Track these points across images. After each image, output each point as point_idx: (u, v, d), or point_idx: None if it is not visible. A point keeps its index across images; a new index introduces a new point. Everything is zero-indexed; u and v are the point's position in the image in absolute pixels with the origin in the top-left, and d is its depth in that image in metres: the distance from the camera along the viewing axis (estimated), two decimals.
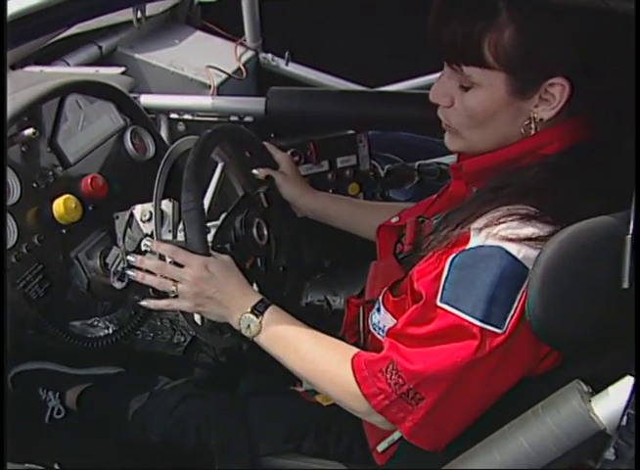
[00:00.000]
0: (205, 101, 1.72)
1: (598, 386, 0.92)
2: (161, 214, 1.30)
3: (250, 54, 2.35)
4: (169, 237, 1.27)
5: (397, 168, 1.81)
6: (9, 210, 1.30)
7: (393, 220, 1.32)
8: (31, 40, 1.03)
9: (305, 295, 1.87)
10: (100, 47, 2.10)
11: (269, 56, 2.37)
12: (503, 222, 0.98)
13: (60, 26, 1.08)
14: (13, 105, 1.36)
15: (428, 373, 0.99)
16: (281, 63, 2.37)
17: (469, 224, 1.01)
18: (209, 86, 2.11)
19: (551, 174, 1.03)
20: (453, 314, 0.97)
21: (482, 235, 0.98)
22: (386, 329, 1.15)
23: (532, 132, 1.04)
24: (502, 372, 1.00)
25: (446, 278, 0.99)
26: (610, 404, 0.88)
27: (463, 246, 1.00)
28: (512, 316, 0.96)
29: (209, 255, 1.21)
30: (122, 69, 1.83)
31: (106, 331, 1.73)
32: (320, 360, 1.13)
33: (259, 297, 1.20)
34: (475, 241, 0.99)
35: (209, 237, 1.29)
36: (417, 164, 1.81)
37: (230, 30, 2.43)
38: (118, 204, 1.45)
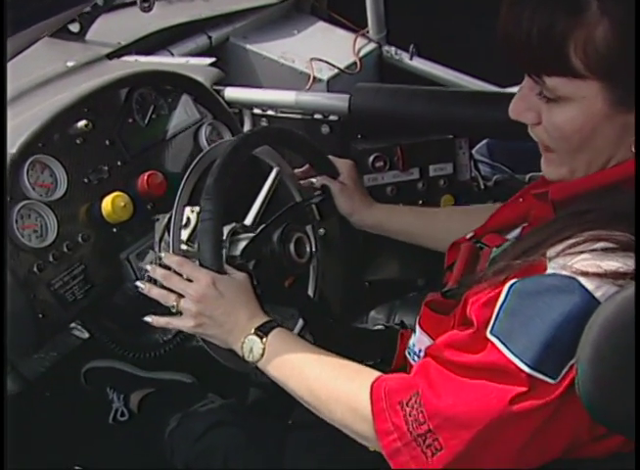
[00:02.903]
0: (288, 96, 1.58)
1: None
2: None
3: (371, 47, 2.17)
4: None
5: (505, 180, 1.58)
6: (50, 205, 1.24)
7: (468, 236, 1.11)
8: (31, 25, 0.93)
9: (394, 314, 1.71)
10: (210, 37, 2.02)
11: (392, 49, 2.18)
12: (585, 250, 0.78)
13: (57, 11, 0.98)
14: (70, 96, 1.30)
15: (453, 413, 0.81)
16: (405, 57, 2.17)
17: (540, 252, 0.82)
18: (319, 80, 1.97)
19: None
20: (500, 352, 0.79)
21: (557, 263, 0.79)
22: (420, 354, 1.00)
23: None
24: (546, 436, 0.80)
25: (502, 305, 0.80)
26: None
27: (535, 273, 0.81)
28: (570, 366, 0.76)
29: (222, 270, 1.08)
30: (212, 59, 1.73)
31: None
32: (326, 379, 0.97)
33: (266, 319, 1.06)
34: (549, 271, 0.80)
35: (239, 250, 1.17)
36: (528, 176, 1.57)
37: (357, 22, 2.27)
38: None
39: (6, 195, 1.16)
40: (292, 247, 1.18)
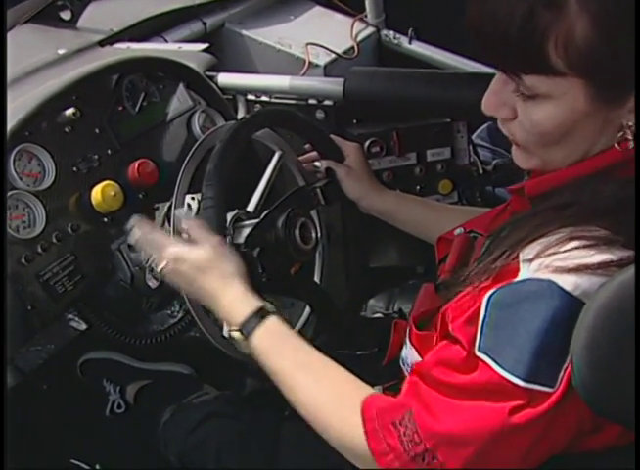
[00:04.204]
0: (281, 82, 1.54)
1: None
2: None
3: (369, 31, 2.13)
4: None
5: (505, 164, 1.55)
6: (38, 195, 1.21)
7: (456, 232, 1.08)
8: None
9: (393, 302, 1.68)
10: (204, 23, 1.98)
11: (391, 33, 2.14)
12: (561, 250, 0.75)
13: None
14: (58, 83, 1.27)
15: (450, 433, 0.79)
16: (404, 41, 2.13)
17: (518, 251, 0.79)
18: (316, 65, 1.94)
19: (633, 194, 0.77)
20: (492, 369, 0.76)
21: (533, 266, 0.76)
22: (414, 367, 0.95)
23: (630, 144, 0.78)
24: (548, 440, 0.78)
25: (484, 320, 0.78)
26: None
27: (509, 279, 0.78)
28: (565, 369, 0.74)
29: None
30: (205, 45, 1.70)
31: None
32: (316, 397, 0.93)
33: (250, 308, 0.98)
34: (523, 274, 0.77)
35: (242, 237, 1.14)
36: None
37: (354, 6, 2.23)
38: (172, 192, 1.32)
39: (6, 194, 1.14)
40: (297, 232, 1.15)
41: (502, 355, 0.76)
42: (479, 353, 0.78)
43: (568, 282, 0.73)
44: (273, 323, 0.98)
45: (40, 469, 1.47)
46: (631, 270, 0.68)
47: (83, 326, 1.75)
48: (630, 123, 0.77)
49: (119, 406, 1.62)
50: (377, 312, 1.64)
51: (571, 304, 0.73)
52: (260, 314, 0.98)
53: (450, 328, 0.83)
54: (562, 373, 0.74)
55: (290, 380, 0.93)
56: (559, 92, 0.76)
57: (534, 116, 0.79)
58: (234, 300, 1.00)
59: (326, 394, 0.92)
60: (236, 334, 0.97)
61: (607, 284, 0.70)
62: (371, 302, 1.66)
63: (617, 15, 0.71)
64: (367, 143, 1.46)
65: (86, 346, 1.71)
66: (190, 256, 1.02)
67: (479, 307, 0.79)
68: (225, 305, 1.00)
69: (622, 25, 0.71)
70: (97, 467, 1.43)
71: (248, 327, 0.97)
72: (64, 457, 1.51)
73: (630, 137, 0.78)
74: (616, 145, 0.79)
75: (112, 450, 1.48)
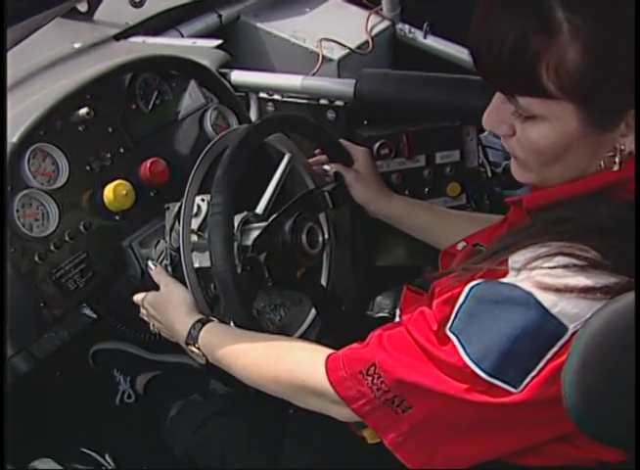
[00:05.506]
0: (294, 81, 1.55)
1: None
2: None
3: (384, 25, 2.12)
4: None
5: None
6: (51, 193, 1.24)
7: (459, 246, 1.10)
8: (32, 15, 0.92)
9: (399, 300, 1.70)
10: (220, 15, 1.99)
11: (406, 27, 2.13)
12: (548, 265, 0.77)
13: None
14: (72, 83, 1.29)
15: (413, 380, 0.83)
16: (419, 35, 2.12)
17: (508, 256, 0.82)
18: (330, 60, 1.94)
19: (631, 216, 0.78)
20: (459, 354, 0.80)
21: (520, 276, 0.79)
22: None
23: (616, 167, 0.81)
24: (504, 432, 0.83)
25: (461, 306, 0.82)
26: None
27: (496, 278, 0.81)
28: (533, 378, 0.77)
29: (233, 261, 1.09)
30: (219, 41, 1.70)
31: None
32: (266, 360, 1.02)
33: (192, 321, 1.12)
34: (509, 279, 0.80)
35: (250, 240, 1.16)
36: None
37: None
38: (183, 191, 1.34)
39: (6, 194, 1.16)
40: (304, 237, 1.17)
41: (471, 345, 0.79)
42: (449, 332, 0.81)
43: (547, 299, 0.76)
44: (212, 325, 1.11)
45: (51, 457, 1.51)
46: (624, 299, 0.70)
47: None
48: (623, 147, 0.79)
49: (129, 396, 1.65)
50: (384, 310, 1.66)
51: (546, 319, 0.75)
52: (201, 322, 1.10)
53: (434, 303, 0.87)
54: (528, 379, 0.77)
55: (243, 359, 1.03)
56: (552, 114, 0.78)
57: (531, 135, 0.81)
58: (182, 322, 1.13)
59: (270, 347, 1.02)
60: (189, 347, 1.09)
61: (600, 311, 0.71)
62: (378, 299, 1.68)
63: (608, 43, 0.73)
64: (376, 145, 1.47)
65: (98, 335, 1.74)
66: (146, 300, 1.22)
67: (459, 292, 0.82)
68: (178, 329, 1.13)
69: (614, 54, 0.73)
70: (106, 456, 1.47)
71: (193, 335, 1.09)
72: (74, 444, 1.54)
73: (617, 160, 0.80)
74: (601, 163, 0.81)
75: (121, 440, 1.52)
